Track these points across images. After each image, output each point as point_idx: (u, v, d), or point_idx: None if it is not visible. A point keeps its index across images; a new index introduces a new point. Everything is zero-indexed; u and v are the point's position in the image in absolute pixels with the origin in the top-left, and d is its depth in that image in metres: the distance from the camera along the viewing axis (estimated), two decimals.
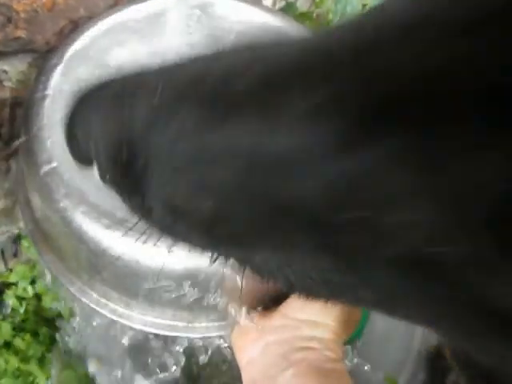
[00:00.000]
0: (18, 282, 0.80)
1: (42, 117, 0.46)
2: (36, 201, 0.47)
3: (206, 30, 0.55)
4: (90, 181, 0.42)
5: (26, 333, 0.78)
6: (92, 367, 0.67)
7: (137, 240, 0.37)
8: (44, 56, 0.59)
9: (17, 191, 0.53)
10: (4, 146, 0.65)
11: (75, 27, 0.59)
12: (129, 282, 0.42)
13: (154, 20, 0.53)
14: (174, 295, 0.41)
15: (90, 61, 0.50)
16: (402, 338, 0.77)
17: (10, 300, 0.80)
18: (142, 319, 0.44)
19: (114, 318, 0.45)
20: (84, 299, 0.45)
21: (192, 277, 0.40)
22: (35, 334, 0.79)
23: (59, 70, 0.48)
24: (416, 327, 0.78)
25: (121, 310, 0.44)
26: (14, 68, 0.58)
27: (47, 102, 0.46)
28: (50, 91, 0.47)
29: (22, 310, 0.80)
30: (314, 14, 0.92)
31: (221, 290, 0.41)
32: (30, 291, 0.80)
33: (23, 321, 0.80)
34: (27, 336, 0.77)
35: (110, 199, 0.39)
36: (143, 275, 0.40)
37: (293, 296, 0.41)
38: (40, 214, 0.47)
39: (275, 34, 0.55)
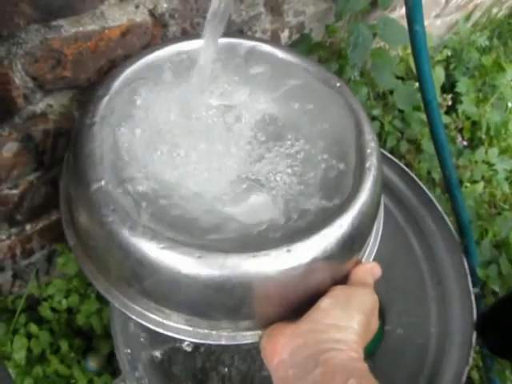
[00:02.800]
0: (54, 295, 0.85)
1: (91, 141, 0.50)
2: (83, 217, 0.50)
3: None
4: (135, 200, 0.47)
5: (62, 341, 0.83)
6: None
7: (180, 252, 0.43)
8: (84, 91, 0.65)
9: (62, 208, 0.57)
10: (45, 172, 0.72)
11: (112, 65, 0.65)
12: (170, 292, 0.45)
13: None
14: (211, 304, 0.45)
15: (131, 94, 0.56)
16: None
17: (45, 312, 0.86)
18: (179, 328, 0.48)
19: (152, 327, 0.48)
20: (125, 311, 0.49)
21: (226, 286, 0.43)
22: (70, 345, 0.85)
23: (105, 100, 0.53)
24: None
25: (159, 319, 0.48)
26: (58, 102, 0.64)
27: (95, 128, 0.51)
28: (97, 118, 0.52)
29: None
30: (327, 43, 0.98)
31: (253, 298, 0.45)
32: (64, 304, 0.85)
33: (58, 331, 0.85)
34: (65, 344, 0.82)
35: (154, 216, 0.46)
36: (185, 286, 0.44)
37: (319, 303, 0.45)
38: (85, 229, 0.50)
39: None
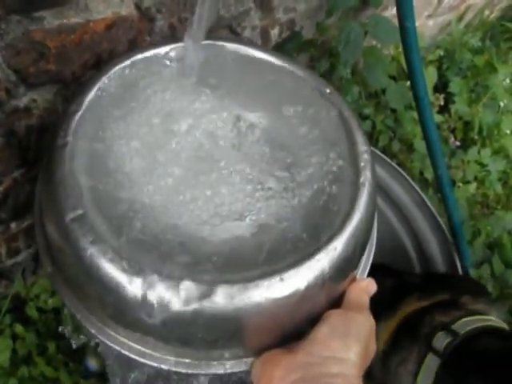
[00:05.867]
0: (40, 294, 0.83)
1: (64, 164, 0.45)
2: (59, 247, 0.45)
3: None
4: (115, 228, 0.43)
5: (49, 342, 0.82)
6: None
7: (168, 286, 0.40)
8: (69, 86, 0.64)
9: (37, 234, 0.51)
10: (30, 169, 0.70)
11: (98, 59, 0.64)
12: (157, 326, 0.41)
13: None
14: (201, 337, 0.42)
15: (106, 107, 0.51)
16: None
17: (32, 312, 0.84)
18: (166, 359, 0.44)
19: (138, 358, 0.44)
20: (105, 340, 0.45)
21: (216, 319, 0.41)
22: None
23: (78, 116, 0.49)
24: None
25: (144, 350, 0.44)
26: (42, 97, 0.63)
27: (68, 149, 0.46)
28: (69, 138, 0.47)
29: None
30: (319, 42, 0.97)
31: (244, 330, 0.42)
32: (50, 304, 0.84)
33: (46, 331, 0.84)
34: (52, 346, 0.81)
35: (137, 246, 0.42)
36: (172, 320, 0.41)
37: (315, 332, 0.43)
38: (62, 260, 0.46)
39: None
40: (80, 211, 0.43)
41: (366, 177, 0.50)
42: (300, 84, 0.58)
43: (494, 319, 0.71)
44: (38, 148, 0.68)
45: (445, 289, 0.79)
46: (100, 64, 0.65)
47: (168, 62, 0.56)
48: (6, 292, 0.86)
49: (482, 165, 1.39)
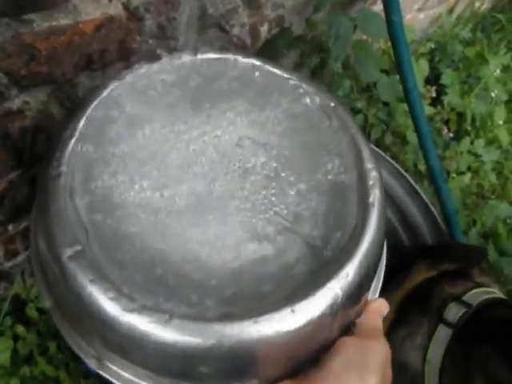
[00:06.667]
0: (39, 295, 0.84)
1: (60, 196, 0.43)
2: (57, 284, 0.42)
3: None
4: (116, 265, 0.41)
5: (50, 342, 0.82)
6: None
7: (166, 323, 0.37)
8: (62, 87, 0.65)
9: (34, 266, 0.49)
10: (26, 170, 0.71)
11: (89, 59, 0.65)
12: (163, 363, 0.40)
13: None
14: (209, 373, 0.40)
15: (101, 132, 0.48)
16: None
17: (32, 313, 0.85)
18: None
19: None
20: (107, 375, 0.43)
21: (226, 356, 0.39)
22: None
23: (72, 143, 0.46)
24: None
25: None
26: (35, 98, 0.64)
27: (63, 179, 0.44)
28: (64, 168, 0.44)
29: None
30: (308, 37, 0.98)
31: (255, 365, 0.41)
32: None
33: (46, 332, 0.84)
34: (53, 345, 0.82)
35: (140, 283, 0.40)
36: (179, 358, 0.39)
37: (330, 363, 0.40)
38: (61, 296, 0.43)
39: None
40: (78, 247, 0.40)
41: (375, 195, 0.47)
42: (302, 96, 0.55)
43: (497, 292, 0.72)
44: (33, 149, 0.69)
45: (450, 258, 0.79)
46: (91, 64, 0.66)
47: (160, 82, 0.53)
48: (6, 294, 0.87)
49: (476, 155, 1.40)
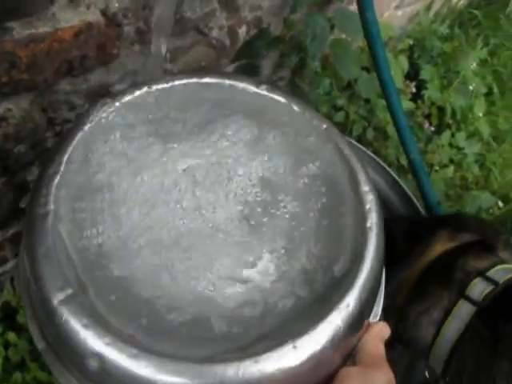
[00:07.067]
0: None
1: (48, 236, 0.41)
2: (49, 328, 0.41)
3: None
4: (111, 307, 0.39)
5: None
6: None
7: (176, 369, 0.36)
8: (44, 93, 0.66)
9: (25, 304, 0.45)
10: (11, 177, 0.72)
11: (70, 66, 0.66)
12: None
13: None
14: None
15: (87, 164, 0.48)
16: None
17: (23, 320, 0.86)
18: None
19: None
20: None
21: None
22: None
23: (57, 180, 0.45)
24: None
25: None
26: (17, 106, 0.65)
27: (50, 219, 0.42)
28: (51, 206, 0.43)
29: None
30: (287, 37, 0.99)
31: None
32: None
33: None
34: None
35: (134, 325, 0.38)
36: None
37: None
38: (53, 340, 0.41)
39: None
40: (69, 291, 0.39)
41: (372, 220, 0.47)
42: (295, 119, 0.55)
43: None
44: (18, 156, 0.70)
45: (468, 230, 0.75)
46: (72, 71, 0.67)
47: (145, 108, 0.53)
48: None
49: (459, 148, 1.43)
